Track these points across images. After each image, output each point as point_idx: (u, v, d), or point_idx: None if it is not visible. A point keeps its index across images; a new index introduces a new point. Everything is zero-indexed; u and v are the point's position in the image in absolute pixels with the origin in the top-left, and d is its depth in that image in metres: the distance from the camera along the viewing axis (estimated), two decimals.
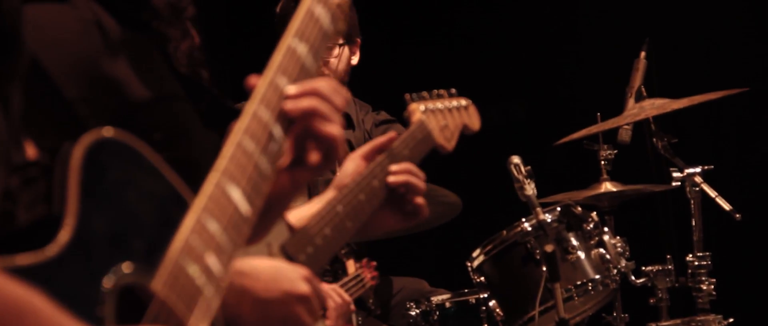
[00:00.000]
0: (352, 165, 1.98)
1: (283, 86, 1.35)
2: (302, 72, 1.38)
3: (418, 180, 1.96)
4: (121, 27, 1.56)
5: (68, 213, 1.04)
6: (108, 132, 1.13)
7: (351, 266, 3.58)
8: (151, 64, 1.61)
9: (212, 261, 1.15)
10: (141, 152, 1.16)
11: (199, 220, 1.16)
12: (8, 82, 1.13)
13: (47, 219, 1.04)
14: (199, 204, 1.17)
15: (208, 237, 1.16)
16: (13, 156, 1.08)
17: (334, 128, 1.41)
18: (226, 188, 1.21)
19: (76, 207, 1.05)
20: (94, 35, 1.50)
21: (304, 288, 1.66)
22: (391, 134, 2.01)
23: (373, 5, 3.35)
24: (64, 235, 1.03)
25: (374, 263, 3.65)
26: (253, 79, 1.39)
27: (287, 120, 1.36)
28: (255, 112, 1.30)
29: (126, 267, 1.08)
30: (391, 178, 1.94)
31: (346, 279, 3.50)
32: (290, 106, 1.36)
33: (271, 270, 1.65)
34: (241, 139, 1.27)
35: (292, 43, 1.39)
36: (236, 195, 1.21)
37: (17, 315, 0.96)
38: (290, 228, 1.93)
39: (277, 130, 1.32)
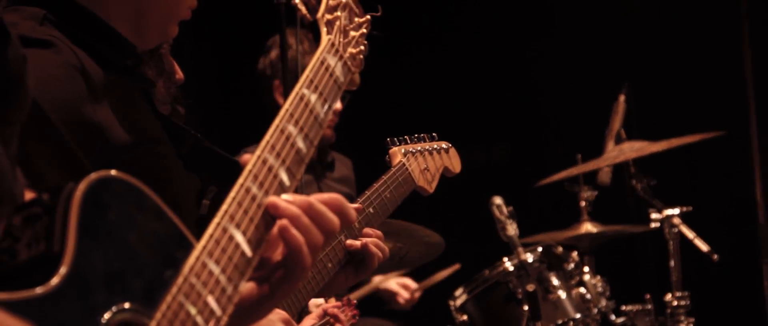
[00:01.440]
0: None
1: (291, 132, 1.33)
2: (310, 118, 1.36)
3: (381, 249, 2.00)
4: (104, 72, 1.58)
5: (67, 251, 1.04)
6: (114, 172, 1.13)
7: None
8: (134, 108, 1.63)
9: (212, 302, 1.15)
10: (146, 192, 1.16)
11: (200, 261, 1.16)
12: (10, 126, 1.16)
13: (46, 256, 1.05)
14: (201, 245, 1.18)
15: (209, 278, 1.16)
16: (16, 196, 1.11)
17: (311, 257, 1.32)
18: (229, 230, 1.21)
19: (74, 245, 1.05)
20: (77, 80, 1.52)
21: None
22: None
23: None
24: (61, 273, 1.03)
25: (355, 302, 3.66)
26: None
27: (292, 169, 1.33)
28: (261, 157, 1.29)
29: (124, 306, 1.08)
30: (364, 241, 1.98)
31: (326, 319, 3.51)
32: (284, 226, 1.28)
33: None
34: (245, 182, 1.26)
35: (303, 91, 1.37)
36: (239, 237, 1.21)
37: None
38: None
39: (284, 175, 1.30)
